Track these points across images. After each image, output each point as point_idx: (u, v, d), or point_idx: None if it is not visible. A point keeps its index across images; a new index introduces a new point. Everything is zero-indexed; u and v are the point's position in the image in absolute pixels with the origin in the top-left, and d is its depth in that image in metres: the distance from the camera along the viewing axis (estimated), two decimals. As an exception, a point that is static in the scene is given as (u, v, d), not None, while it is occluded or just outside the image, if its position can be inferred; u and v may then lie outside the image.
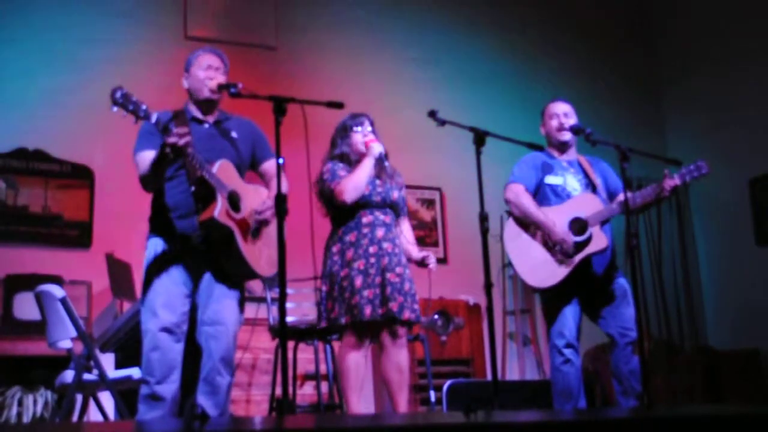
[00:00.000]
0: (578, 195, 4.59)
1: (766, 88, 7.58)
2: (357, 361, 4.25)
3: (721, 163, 7.89)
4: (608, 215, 4.52)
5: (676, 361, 7.51)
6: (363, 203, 4.32)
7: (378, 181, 4.41)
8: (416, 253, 4.50)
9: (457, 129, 4.04)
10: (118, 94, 3.33)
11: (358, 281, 4.20)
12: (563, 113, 4.72)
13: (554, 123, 4.71)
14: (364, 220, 4.32)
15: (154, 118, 3.41)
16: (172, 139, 3.38)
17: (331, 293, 4.27)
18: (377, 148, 4.37)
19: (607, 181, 4.74)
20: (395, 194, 4.45)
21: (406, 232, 4.55)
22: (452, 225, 7.50)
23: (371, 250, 4.26)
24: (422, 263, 4.47)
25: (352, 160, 4.40)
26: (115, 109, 3.34)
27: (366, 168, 4.32)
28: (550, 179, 4.62)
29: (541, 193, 4.61)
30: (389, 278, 4.21)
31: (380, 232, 4.30)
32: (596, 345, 6.65)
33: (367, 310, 4.15)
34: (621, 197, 4.45)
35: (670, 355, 7.55)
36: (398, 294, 4.21)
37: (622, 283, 4.57)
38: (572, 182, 4.63)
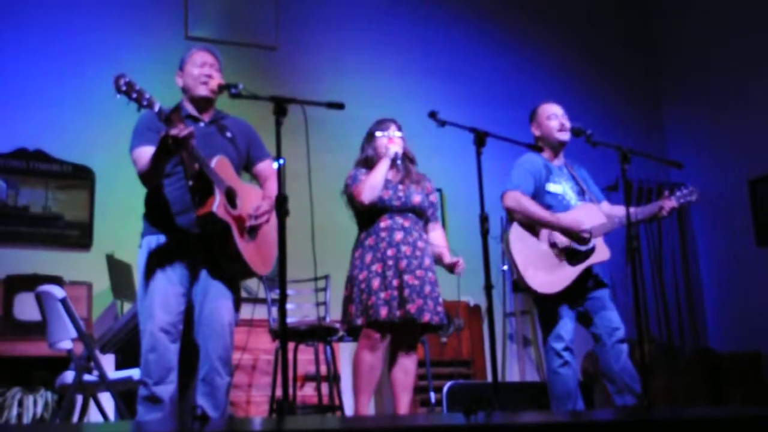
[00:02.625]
0: (582, 205, 4.58)
1: (765, 89, 7.57)
2: (371, 363, 4.27)
3: (721, 165, 7.91)
4: (611, 228, 4.53)
5: (677, 363, 7.51)
6: (382, 207, 4.39)
7: (400, 186, 4.48)
8: (448, 258, 4.53)
9: (457, 130, 4.04)
10: (122, 81, 3.32)
11: (376, 283, 4.25)
12: (561, 114, 4.70)
13: (555, 123, 4.65)
14: (382, 224, 4.38)
15: (157, 107, 3.40)
16: (174, 131, 3.36)
17: (350, 296, 4.34)
18: (393, 149, 4.43)
19: (590, 188, 4.75)
20: (417, 198, 4.48)
21: (437, 237, 4.59)
22: (452, 226, 7.49)
23: (389, 253, 4.31)
24: (451, 268, 4.51)
25: (375, 164, 4.45)
26: (118, 96, 3.33)
27: (381, 168, 4.37)
28: (551, 187, 4.58)
29: (541, 200, 4.54)
30: (407, 280, 4.26)
31: (398, 236, 4.35)
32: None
33: (383, 311, 4.20)
34: (620, 211, 4.50)
35: (670, 357, 7.55)
36: (417, 296, 4.26)
37: (606, 290, 4.60)
38: (568, 190, 4.63)
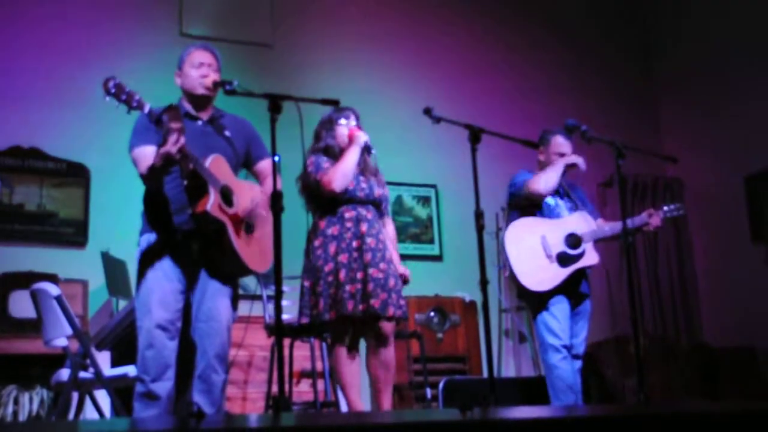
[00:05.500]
0: (575, 214, 4.90)
1: (762, 84, 7.58)
2: (350, 358, 4.23)
3: (716, 160, 7.92)
4: (600, 236, 4.86)
5: (673, 358, 7.52)
6: (346, 198, 4.28)
7: (362, 177, 4.38)
8: (398, 266, 4.45)
9: (452, 126, 4.06)
10: (111, 84, 3.32)
11: (342, 275, 4.15)
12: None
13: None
14: (347, 215, 4.28)
15: (147, 108, 3.41)
16: (164, 149, 3.39)
17: (314, 288, 4.21)
18: (363, 137, 4.33)
19: (585, 205, 5.05)
20: (379, 191, 4.42)
21: (390, 232, 4.54)
22: (448, 222, 7.50)
23: (354, 244, 4.21)
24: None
25: (336, 153, 4.36)
26: (108, 98, 3.33)
27: (353, 156, 4.27)
28: (547, 199, 4.91)
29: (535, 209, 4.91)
30: (372, 274, 4.17)
31: (363, 227, 4.26)
32: (591, 342, 6.66)
33: (350, 305, 4.11)
34: (611, 223, 4.93)
35: (666, 352, 7.56)
36: (381, 290, 4.16)
37: (588, 304, 4.95)
38: (561, 204, 4.96)
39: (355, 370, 4.25)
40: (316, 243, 4.27)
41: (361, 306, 4.13)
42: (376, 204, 4.41)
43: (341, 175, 4.22)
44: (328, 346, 4.32)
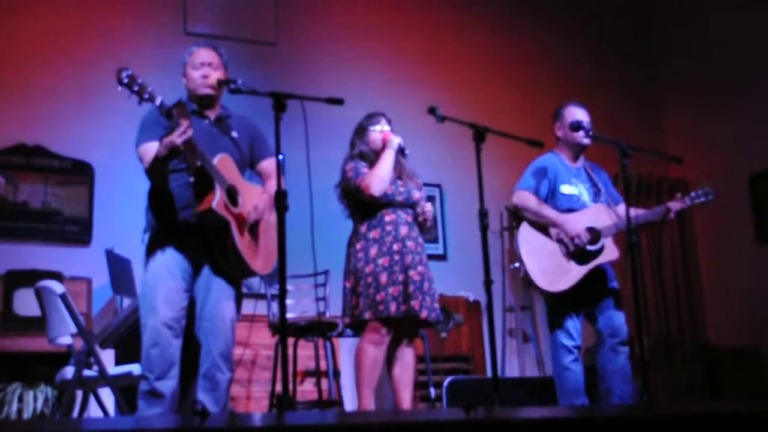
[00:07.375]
0: (594, 206, 4.64)
1: (765, 83, 7.56)
2: (375, 357, 4.29)
3: (721, 159, 7.90)
4: (622, 229, 4.54)
5: (676, 357, 7.51)
6: (386, 202, 4.38)
7: (399, 181, 4.47)
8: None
9: (457, 125, 4.05)
10: (124, 74, 3.33)
11: (383, 278, 4.25)
12: (587, 121, 4.68)
13: (581, 132, 4.61)
14: (387, 218, 4.37)
15: (158, 101, 3.41)
16: (169, 139, 3.38)
17: (355, 289, 4.32)
18: (396, 140, 4.44)
19: (608, 190, 4.78)
20: (417, 195, 4.51)
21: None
22: (452, 221, 7.50)
23: (395, 247, 4.30)
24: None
25: (371, 158, 4.45)
26: (120, 88, 3.34)
27: (388, 160, 4.37)
28: (566, 188, 4.65)
29: (555, 201, 4.63)
30: (412, 276, 4.27)
31: (404, 230, 4.35)
32: (594, 343, 6.65)
33: (392, 307, 4.21)
34: (634, 213, 4.51)
35: (669, 352, 7.55)
36: (419, 292, 4.26)
37: (615, 287, 4.67)
38: (584, 191, 4.68)
39: (377, 371, 4.32)
40: (358, 246, 4.37)
41: (402, 307, 4.23)
42: (415, 207, 4.48)
43: (378, 179, 4.31)
44: (360, 341, 4.35)
